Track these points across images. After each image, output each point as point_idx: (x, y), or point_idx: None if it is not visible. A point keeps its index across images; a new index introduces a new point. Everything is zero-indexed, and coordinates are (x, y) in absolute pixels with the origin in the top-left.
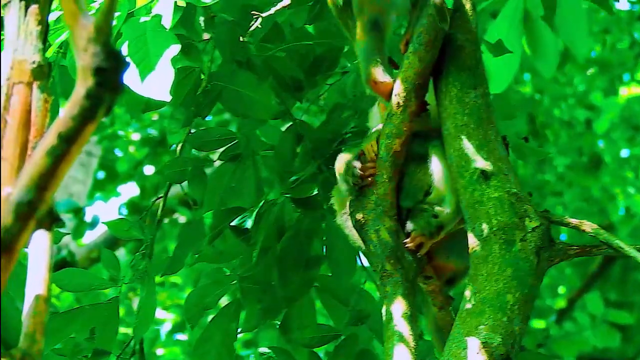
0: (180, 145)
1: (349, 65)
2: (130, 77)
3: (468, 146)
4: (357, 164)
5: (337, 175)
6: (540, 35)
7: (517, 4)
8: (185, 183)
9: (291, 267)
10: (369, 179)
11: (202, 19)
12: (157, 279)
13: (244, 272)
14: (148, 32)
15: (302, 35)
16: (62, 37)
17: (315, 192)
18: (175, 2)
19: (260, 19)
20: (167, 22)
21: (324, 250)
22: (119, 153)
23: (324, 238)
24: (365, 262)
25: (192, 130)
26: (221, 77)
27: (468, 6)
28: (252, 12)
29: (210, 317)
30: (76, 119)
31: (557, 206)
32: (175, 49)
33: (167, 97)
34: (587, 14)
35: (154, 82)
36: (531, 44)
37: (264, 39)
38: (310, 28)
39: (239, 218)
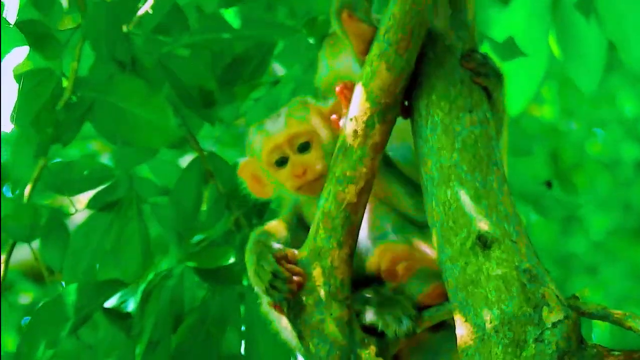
0: (30, 187)
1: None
2: None
3: (460, 198)
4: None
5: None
6: (577, 30)
7: None
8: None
9: None
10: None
11: None
12: None
13: None
14: None
15: (216, 24)
16: None
17: (232, 259)
18: None
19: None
20: (12, 15)
21: (242, 347)
22: None
23: (243, 328)
24: None
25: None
26: (93, 84)
27: None
28: None
29: None
30: None
31: (592, 288)
32: (22, 52)
33: (8, 124)
34: None
35: None
36: (563, 43)
37: (157, 29)
38: (228, 15)
39: (116, 296)
